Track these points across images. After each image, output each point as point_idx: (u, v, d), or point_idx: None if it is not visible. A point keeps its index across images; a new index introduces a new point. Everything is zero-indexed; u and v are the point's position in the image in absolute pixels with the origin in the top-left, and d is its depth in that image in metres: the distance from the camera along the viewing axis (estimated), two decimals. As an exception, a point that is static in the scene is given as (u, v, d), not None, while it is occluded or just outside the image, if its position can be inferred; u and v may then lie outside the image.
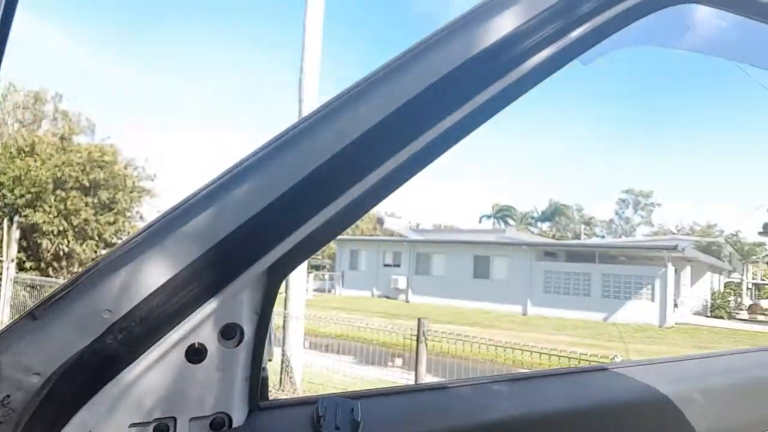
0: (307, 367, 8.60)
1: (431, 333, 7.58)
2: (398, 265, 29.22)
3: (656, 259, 23.56)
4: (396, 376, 8.25)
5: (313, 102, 7.90)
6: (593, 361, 6.47)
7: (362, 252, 30.25)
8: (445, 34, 0.76)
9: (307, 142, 0.74)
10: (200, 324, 0.68)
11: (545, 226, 59.85)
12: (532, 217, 60.28)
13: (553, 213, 58.77)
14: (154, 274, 0.67)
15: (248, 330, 0.71)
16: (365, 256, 30.18)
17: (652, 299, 22.83)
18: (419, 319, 7.60)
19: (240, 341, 0.71)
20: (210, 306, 0.68)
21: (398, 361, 9.94)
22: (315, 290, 28.41)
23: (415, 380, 7.13)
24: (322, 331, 11.32)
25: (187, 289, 0.67)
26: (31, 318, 0.64)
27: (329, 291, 30.19)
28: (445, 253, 28.21)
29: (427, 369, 7.44)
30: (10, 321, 0.64)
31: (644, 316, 22.40)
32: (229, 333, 0.70)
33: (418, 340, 7.41)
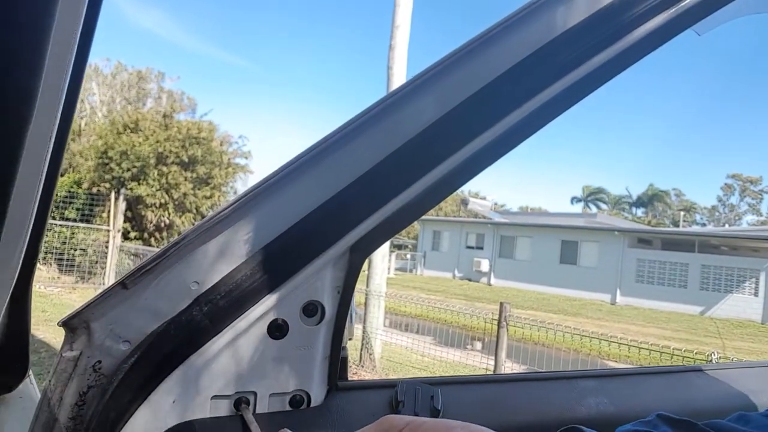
0: (386, 344, 8.71)
1: (513, 318, 7.43)
2: (481, 248, 28.85)
3: (762, 250, 21.76)
4: (475, 361, 8.17)
5: (401, 75, 7.82)
6: (687, 357, 6.09)
7: (445, 233, 30.09)
8: (541, 2, 0.71)
9: (392, 119, 0.71)
10: (283, 300, 0.68)
11: (640, 211, 56.87)
12: (626, 202, 57.40)
13: (650, 198, 55.63)
14: (240, 248, 0.67)
15: (329, 308, 0.70)
16: (448, 237, 30.02)
17: (756, 294, 21.15)
18: (501, 303, 7.46)
19: (321, 319, 0.70)
20: (293, 282, 0.68)
21: (477, 345, 9.85)
22: (397, 269, 28.67)
23: (495, 366, 7.03)
24: (403, 310, 11.41)
25: (270, 265, 0.67)
26: (123, 287, 0.66)
27: (411, 271, 30.36)
28: (531, 237, 27.50)
29: (507, 355, 7.31)
30: (106, 288, 0.67)
31: (746, 311, 20.81)
32: (311, 310, 0.70)
33: (499, 325, 7.28)
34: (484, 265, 27.79)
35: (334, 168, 0.70)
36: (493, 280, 27.43)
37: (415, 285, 22.15)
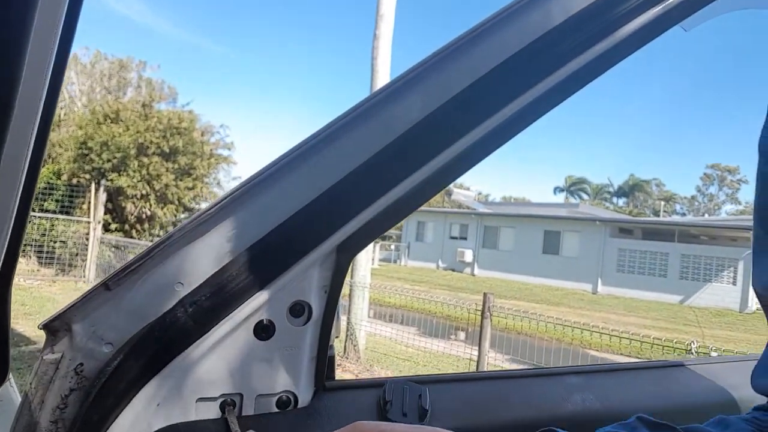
0: (370, 335, 8.73)
1: (496, 308, 7.48)
2: (465, 238, 28.98)
3: (741, 239, 22.14)
4: (459, 351, 8.22)
5: (386, 66, 7.78)
6: (667, 346, 6.19)
7: (429, 224, 30.15)
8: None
9: (380, 117, 0.70)
10: (269, 301, 0.67)
11: (621, 201, 57.48)
12: (608, 192, 57.96)
13: (631, 188, 56.23)
14: (225, 248, 0.66)
15: (317, 308, 0.70)
16: (432, 227, 30.09)
17: (734, 283, 21.56)
18: (485, 294, 7.51)
19: (308, 319, 0.69)
20: (279, 283, 0.67)
21: (461, 335, 9.92)
22: (381, 260, 28.71)
23: (478, 356, 7.08)
24: (387, 301, 11.44)
25: (257, 265, 0.66)
26: (105, 288, 0.64)
27: (395, 261, 30.43)
28: (514, 227, 27.68)
29: (491, 345, 7.37)
30: (88, 289, 0.65)
31: (724, 300, 21.21)
32: (297, 311, 0.69)
33: (482, 315, 7.33)
34: (468, 256, 27.94)
35: (321, 166, 0.69)
36: (476, 271, 27.61)
37: (400, 276, 22.21)
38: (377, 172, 0.69)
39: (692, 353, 5.59)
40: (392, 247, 31.81)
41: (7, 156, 0.36)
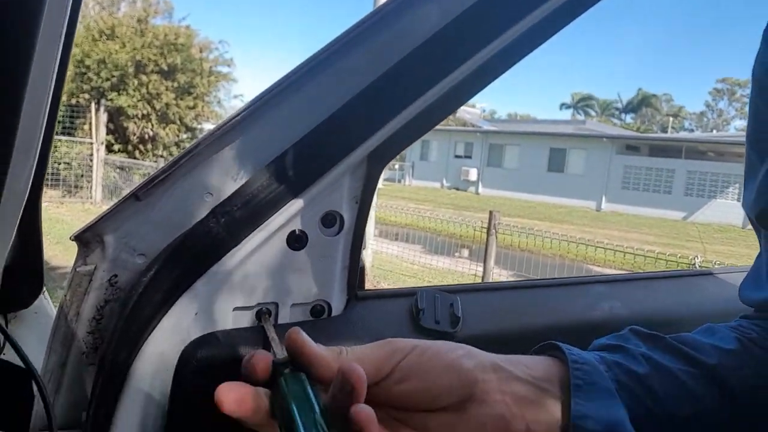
0: (377, 254, 8.87)
1: (501, 226, 7.54)
2: (469, 157, 28.81)
3: (749, 156, 21.90)
4: (464, 268, 8.38)
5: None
6: (670, 261, 6.28)
7: (433, 142, 29.86)
8: None
9: (410, 17, 0.66)
10: (301, 211, 0.65)
11: (629, 117, 56.53)
12: (616, 108, 56.91)
13: (640, 103, 55.12)
14: (254, 157, 0.64)
15: (348, 218, 0.69)
16: (436, 146, 29.84)
17: (738, 199, 21.54)
18: (491, 212, 7.55)
19: (340, 230, 0.69)
20: (311, 192, 0.65)
21: (465, 253, 10.06)
22: (385, 180, 28.68)
23: (483, 272, 7.21)
24: (392, 220, 11.54)
25: (286, 174, 0.64)
26: (135, 199, 0.63)
27: (399, 181, 30.43)
28: (519, 145, 27.43)
29: (495, 262, 7.49)
30: (118, 200, 0.64)
31: (727, 216, 21.30)
32: (329, 221, 0.68)
33: (488, 233, 7.40)
34: (473, 174, 27.91)
35: (349, 70, 0.65)
36: (481, 189, 27.67)
37: (404, 195, 22.29)
38: (408, 76, 0.66)
39: (695, 267, 5.68)
40: (396, 166, 31.68)
41: (35, 69, 0.34)
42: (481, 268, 7.35)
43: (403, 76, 0.65)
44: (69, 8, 0.37)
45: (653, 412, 0.48)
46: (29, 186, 0.46)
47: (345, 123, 0.65)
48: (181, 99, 15.42)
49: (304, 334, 0.42)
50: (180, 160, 0.63)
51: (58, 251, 6.49)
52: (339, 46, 0.65)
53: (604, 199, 24.28)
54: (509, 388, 0.45)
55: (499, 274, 7.72)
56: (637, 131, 44.95)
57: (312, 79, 0.65)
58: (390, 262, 9.05)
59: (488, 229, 7.45)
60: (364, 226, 0.70)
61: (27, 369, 0.61)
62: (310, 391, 0.40)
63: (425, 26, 0.65)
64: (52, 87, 0.40)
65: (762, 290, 0.58)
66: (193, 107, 15.69)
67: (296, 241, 0.66)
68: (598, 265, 8.60)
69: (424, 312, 0.70)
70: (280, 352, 0.43)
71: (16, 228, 0.48)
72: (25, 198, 0.44)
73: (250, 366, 0.41)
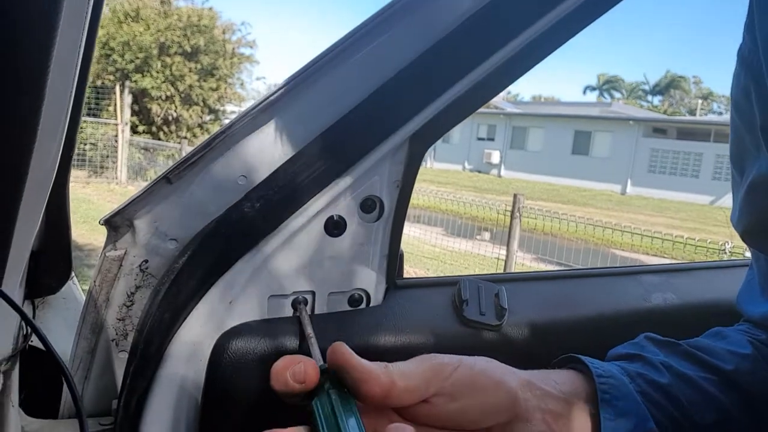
0: (399, 235, 8.83)
1: (525, 210, 7.43)
2: (492, 139, 28.48)
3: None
4: (486, 250, 8.31)
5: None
6: (699, 246, 6.13)
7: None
8: None
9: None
10: (340, 196, 0.62)
11: (656, 100, 55.28)
12: (643, 90, 55.67)
13: (668, 85, 53.82)
14: (289, 140, 0.61)
15: (388, 203, 0.65)
16: (458, 128, 29.47)
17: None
18: (515, 195, 7.44)
19: (380, 215, 0.65)
20: (350, 177, 0.62)
21: (486, 236, 9.98)
22: (407, 161, 28.47)
23: (507, 256, 7.13)
24: (413, 203, 11.44)
25: (324, 157, 0.60)
26: (167, 181, 0.60)
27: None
28: (543, 128, 27.02)
29: (518, 246, 7.40)
30: (148, 183, 0.61)
31: (757, 200, 20.75)
32: (369, 206, 0.64)
33: (512, 216, 7.30)
34: (495, 157, 27.61)
35: (390, 47, 0.61)
36: (503, 172, 27.39)
37: (425, 177, 22.15)
38: (451, 54, 0.61)
39: (726, 253, 5.54)
40: (418, 148, 31.43)
41: (57, 60, 0.31)
42: (503, 251, 7.27)
43: (446, 54, 0.61)
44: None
45: (678, 422, 0.48)
46: (55, 169, 0.43)
47: (386, 103, 0.61)
48: (204, 81, 15.45)
49: (347, 349, 0.39)
50: (212, 142, 0.60)
51: (85, 230, 6.58)
52: (378, 23, 0.61)
53: (629, 182, 23.86)
54: (546, 405, 0.44)
55: (523, 258, 7.63)
56: (665, 114, 43.97)
57: (350, 57, 0.61)
58: (411, 244, 9.02)
59: (512, 212, 7.35)
60: (405, 212, 0.66)
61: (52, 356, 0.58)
62: (355, 412, 0.37)
63: (469, 3, 0.61)
64: (78, 70, 0.37)
65: (758, 305, 0.57)
66: (216, 89, 15.71)
67: (335, 227, 0.63)
68: (623, 250, 8.46)
69: (467, 303, 0.66)
70: (317, 353, 0.43)
71: (42, 212, 0.45)
72: (51, 182, 0.41)
73: (299, 374, 0.38)
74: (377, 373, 0.38)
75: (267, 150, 0.61)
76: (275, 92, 0.59)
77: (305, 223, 0.61)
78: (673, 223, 15.95)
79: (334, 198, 0.62)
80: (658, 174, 23.65)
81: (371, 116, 0.61)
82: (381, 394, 0.38)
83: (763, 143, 0.48)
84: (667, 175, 23.43)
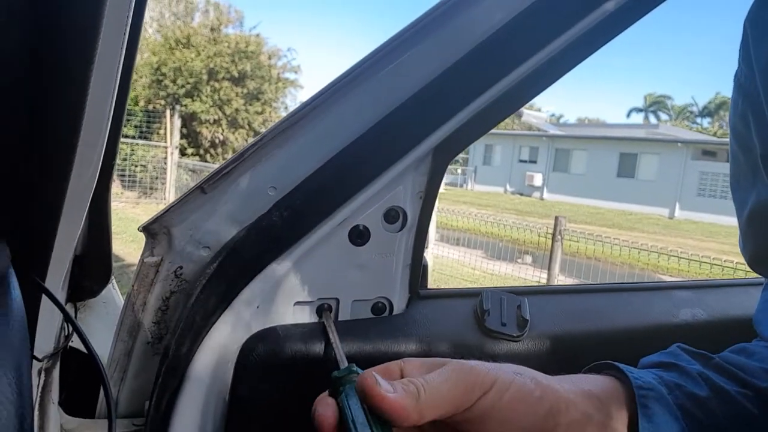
0: (437, 258, 8.80)
1: (567, 232, 7.30)
2: (534, 162, 28.16)
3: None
4: (527, 274, 8.18)
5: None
6: (750, 272, 5.86)
7: (497, 147, 29.38)
8: None
9: (476, 8, 0.63)
10: (364, 206, 0.64)
11: (706, 122, 53.76)
12: (691, 112, 54.27)
13: (717, 107, 52.32)
14: (318, 152, 0.63)
15: (412, 214, 0.67)
16: (500, 151, 29.34)
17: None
18: (556, 217, 7.33)
19: (403, 225, 0.67)
20: (374, 187, 0.64)
21: (528, 259, 9.82)
22: (447, 184, 28.49)
23: (548, 279, 7.01)
24: (453, 225, 11.41)
25: (349, 169, 0.63)
26: (201, 191, 0.64)
27: (461, 186, 30.15)
28: (587, 150, 26.58)
29: (560, 269, 7.26)
30: (184, 193, 0.65)
31: (816, 226, 19.78)
32: (392, 216, 0.66)
33: (553, 239, 7.19)
34: (537, 179, 27.26)
35: (415, 62, 0.64)
36: (545, 195, 26.99)
37: (466, 200, 22.04)
38: (475, 67, 0.63)
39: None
40: (458, 171, 31.41)
41: (98, 72, 0.34)
42: (544, 275, 7.15)
43: (470, 68, 0.63)
44: (132, 10, 0.37)
45: None
46: (96, 176, 0.46)
47: (410, 116, 0.63)
48: (250, 105, 15.90)
49: (375, 381, 0.40)
50: (244, 154, 0.63)
51: (132, 249, 6.80)
52: (404, 39, 0.64)
53: (677, 206, 23.15)
54: (584, 410, 0.44)
55: (564, 282, 7.48)
56: (714, 136, 42.64)
57: (376, 72, 0.64)
58: (450, 266, 8.96)
59: (553, 234, 7.24)
60: (428, 223, 0.68)
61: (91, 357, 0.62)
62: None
63: (493, 18, 0.63)
64: (117, 87, 0.40)
65: None
66: (261, 112, 16.14)
67: (359, 236, 0.65)
68: (670, 275, 8.19)
69: (489, 313, 0.67)
70: (343, 358, 0.44)
71: (84, 217, 0.49)
72: (93, 188, 0.45)
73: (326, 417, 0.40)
74: (407, 412, 0.39)
75: (295, 162, 0.64)
76: (304, 107, 0.62)
77: (330, 232, 0.64)
78: (723, 248, 15.34)
79: (359, 208, 0.64)
80: (708, 197, 22.87)
81: (396, 128, 0.63)
82: (409, 428, 0.40)
83: (763, 171, 0.48)
84: (718, 198, 22.63)
